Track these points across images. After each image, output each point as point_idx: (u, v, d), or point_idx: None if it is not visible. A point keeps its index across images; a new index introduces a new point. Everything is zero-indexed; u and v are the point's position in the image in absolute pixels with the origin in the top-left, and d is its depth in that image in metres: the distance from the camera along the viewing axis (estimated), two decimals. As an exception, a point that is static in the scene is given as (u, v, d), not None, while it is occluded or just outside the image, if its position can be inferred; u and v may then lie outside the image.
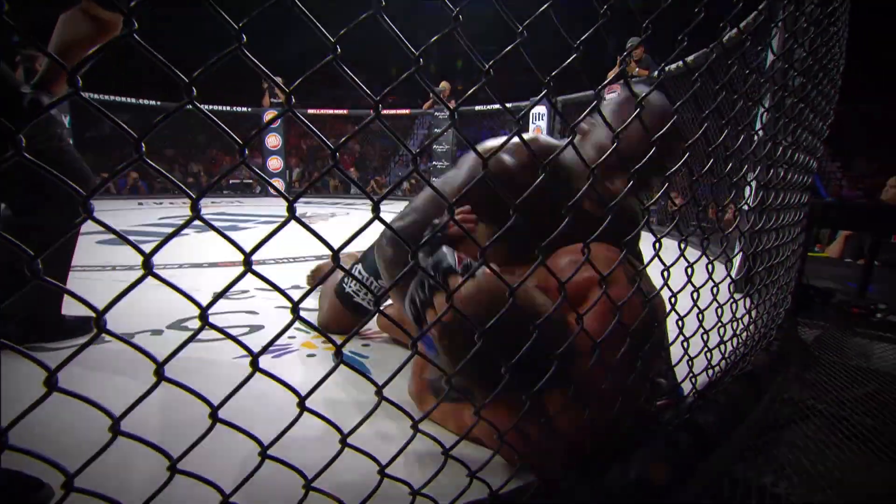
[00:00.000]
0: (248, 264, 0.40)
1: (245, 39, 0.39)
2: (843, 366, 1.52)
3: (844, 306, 2.20)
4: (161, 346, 1.40)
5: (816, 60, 1.04)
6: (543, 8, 0.50)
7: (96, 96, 6.62)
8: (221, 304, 1.81)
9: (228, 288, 0.40)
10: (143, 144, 0.38)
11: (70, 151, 1.26)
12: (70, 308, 1.43)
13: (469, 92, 0.49)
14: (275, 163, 8.30)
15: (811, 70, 1.03)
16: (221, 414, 0.43)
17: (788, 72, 0.95)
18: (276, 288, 0.42)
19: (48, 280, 0.36)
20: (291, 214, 0.40)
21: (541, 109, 5.98)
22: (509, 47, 0.48)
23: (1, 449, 0.36)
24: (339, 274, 1.49)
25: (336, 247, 0.43)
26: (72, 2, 1.04)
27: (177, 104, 0.38)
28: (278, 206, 6.42)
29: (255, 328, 1.58)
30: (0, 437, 0.36)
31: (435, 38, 0.44)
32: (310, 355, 1.36)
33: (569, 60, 0.53)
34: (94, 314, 0.37)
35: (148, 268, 0.38)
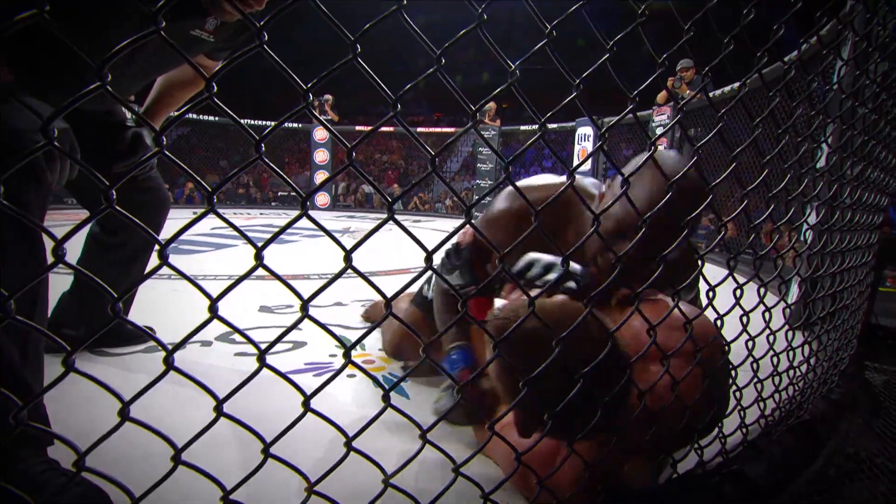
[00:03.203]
0: (304, 310, 0.42)
1: (311, 99, 0.42)
2: (917, 418, 1.39)
3: (919, 350, 2.02)
4: (210, 357, 1.47)
5: (891, 95, 0.98)
6: (603, 59, 0.50)
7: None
8: (267, 319, 1.88)
9: (284, 334, 0.42)
10: (214, 197, 0.41)
11: (157, 178, 1.40)
12: (131, 314, 1.53)
13: (529, 144, 0.49)
14: (321, 177, 8.61)
15: (884, 105, 0.97)
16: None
17: (857, 109, 0.90)
18: (331, 334, 0.43)
19: (122, 316, 0.40)
20: (348, 264, 0.42)
21: (586, 130, 5.93)
22: (568, 100, 0.49)
23: (79, 470, 0.40)
24: (416, 286, 1.48)
25: (389, 294, 0.45)
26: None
27: (248, 161, 0.41)
28: (324, 220, 6.63)
29: (298, 344, 1.63)
30: (79, 461, 0.40)
31: (495, 92, 0.46)
32: (350, 375, 1.38)
33: (629, 107, 0.53)
34: (164, 352, 0.40)
35: (213, 312, 0.41)
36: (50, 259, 0.35)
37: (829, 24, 1.39)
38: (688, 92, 4.48)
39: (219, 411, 0.43)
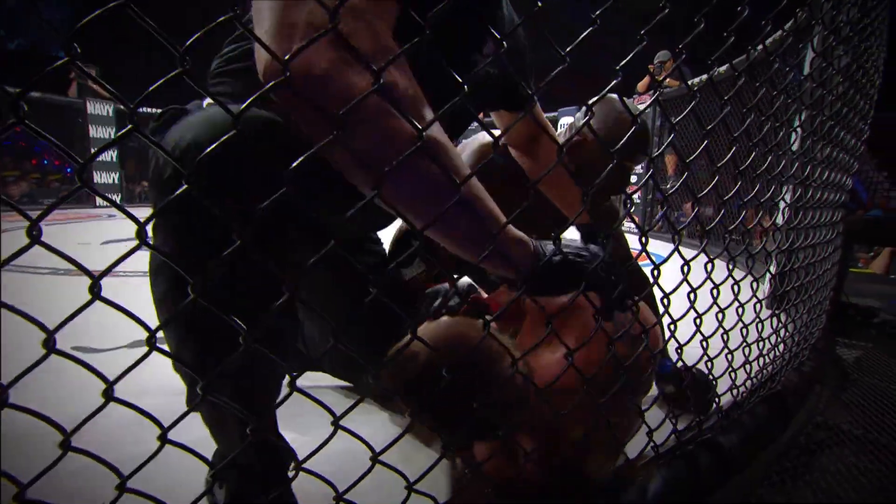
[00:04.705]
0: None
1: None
2: (884, 390, 1.45)
3: (888, 326, 2.10)
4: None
5: (847, 78, 1.02)
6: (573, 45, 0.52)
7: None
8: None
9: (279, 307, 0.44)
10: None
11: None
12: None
13: (513, 124, 0.51)
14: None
15: (844, 90, 1.00)
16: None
17: (817, 91, 0.94)
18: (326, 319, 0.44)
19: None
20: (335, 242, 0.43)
21: (569, 120, 6.00)
22: (553, 73, 0.50)
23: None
24: None
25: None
26: None
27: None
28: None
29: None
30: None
31: (480, 69, 0.47)
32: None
33: (612, 82, 0.55)
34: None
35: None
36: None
37: (801, 14, 1.43)
38: (667, 80, 4.55)
39: (204, 391, 0.44)
